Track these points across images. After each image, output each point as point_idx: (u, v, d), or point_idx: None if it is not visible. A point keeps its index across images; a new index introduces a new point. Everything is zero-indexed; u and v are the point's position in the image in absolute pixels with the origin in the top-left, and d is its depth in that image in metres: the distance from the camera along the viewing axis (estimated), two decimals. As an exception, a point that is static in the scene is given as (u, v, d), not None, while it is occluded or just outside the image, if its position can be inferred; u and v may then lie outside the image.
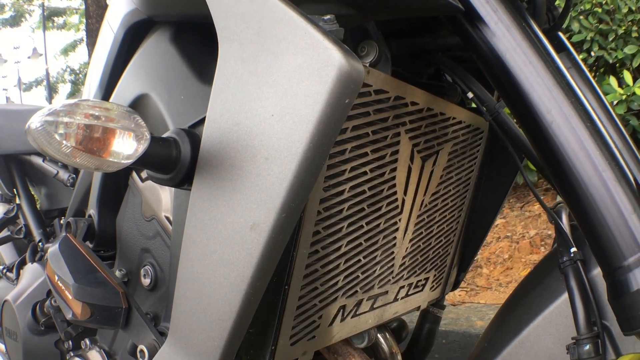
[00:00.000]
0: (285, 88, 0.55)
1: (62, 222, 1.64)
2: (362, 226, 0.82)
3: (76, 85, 16.26)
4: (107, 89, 1.00)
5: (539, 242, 3.20)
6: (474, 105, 0.93)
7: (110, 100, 0.94)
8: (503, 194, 1.22)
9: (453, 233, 1.16)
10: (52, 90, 15.53)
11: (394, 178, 0.85)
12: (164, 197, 0.84)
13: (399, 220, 0.92)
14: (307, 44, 0.54)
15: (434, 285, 1.17)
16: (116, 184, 0.97)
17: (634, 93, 2.98)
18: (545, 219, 3.42)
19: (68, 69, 16.61)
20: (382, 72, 0.75)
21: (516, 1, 0.70)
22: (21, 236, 1.59)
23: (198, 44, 0.84)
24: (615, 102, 3.01)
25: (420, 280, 1.11)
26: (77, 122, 0.51)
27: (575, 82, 0.68)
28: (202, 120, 0.64)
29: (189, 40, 0.84)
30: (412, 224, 0.96)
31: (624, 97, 2.99)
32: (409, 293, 1.08)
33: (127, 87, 0.88)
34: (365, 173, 0.77)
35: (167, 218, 0.83)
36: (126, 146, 0.54)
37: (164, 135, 0.64)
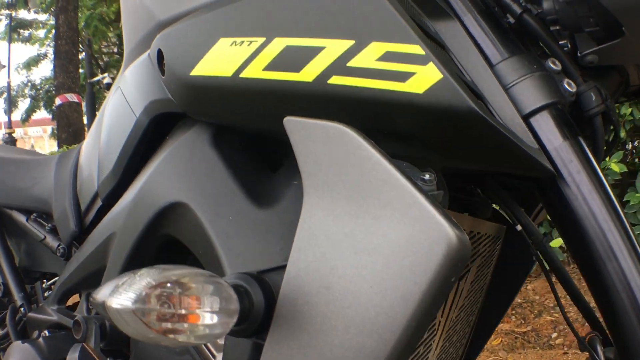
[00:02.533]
0: (387, 259, 0.51)
1: (44, 286, 1.55)
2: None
3: (36, 101, 15.82)
4: (124, 177, 0.94)
5: (509, 311, 3.21)
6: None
7: (134, 196, 0.87)
8: (513, 294, 1.20)
9: (465, 337, 1.14)
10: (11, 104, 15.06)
11: (438, 305, 0.82)
12: None
13: (434, 341, 0.89)
14: (416, 214, 0.50)
15: (442, 391, 1.14)
16: None
17: (608, 167, 3.06)
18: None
19: (29, 84, 16.18)
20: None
21: (589, 156, 0.68)
22: None
23: (247, 154, 0.79)
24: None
25: (434, 390, 1.07)
26: (163, 310, 0.46)
27: None
28: (276, 269, 0.59)
29: (235, 148, 0.79)
30: (441, 340, 0.93)
31: (599, 171, 3.06)
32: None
33: (157, 189, 0.82)
34: None
35: None
36: (215, 325, 0.49)
37: (232, 282, 0.59)
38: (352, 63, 0.58)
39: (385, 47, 0.57)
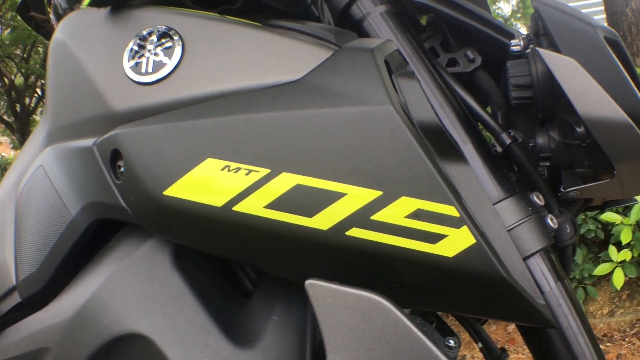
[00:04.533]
0: None
1: None
2: None
3: None
4: (53, 281, 0.80)
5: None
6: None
7: (75, 313, 0.72)
8: None
9: None
10: None
11: None
12: None
13: None
14: None
15: None
16: None
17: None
18: None
19: None
20: None
21: (575, 298, 0.68)
22: None
23: (213, 278, 0.70)
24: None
25: None
26: None
27: None
28: None
29: (201, 270, 0.69)
30: None
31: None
32: None
33: (106, 311, 0.69)
34: None
35: None
36: None
37: None
38: (378, 217, 0.53)
39: (416, 203, 0.52)
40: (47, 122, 0.86)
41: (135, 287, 0.69)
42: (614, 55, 0.62)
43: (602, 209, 0.89)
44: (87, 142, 0.73)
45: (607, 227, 3.12)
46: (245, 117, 0.59)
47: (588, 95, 0.59)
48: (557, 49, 0.63)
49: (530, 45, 0.69)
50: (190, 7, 0.77)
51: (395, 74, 0.63)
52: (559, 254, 0.76)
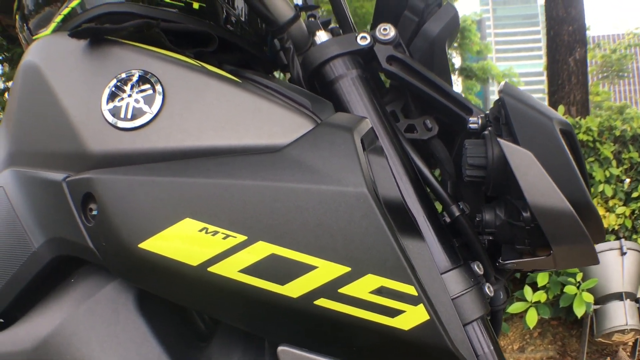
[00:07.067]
0: None
1: None
2: None
3: None
4: (10, 310, 0.79)
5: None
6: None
7: (36, 345, 0.72)
8: None
9: None
10: None
11: None
12: None
13: None
14: None
15: None
16: None
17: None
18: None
19: None
20: None
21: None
22: None
23: (175, 322, 0.72)
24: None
25: None
26: None
27: None
28: None
29: (164, 314, 0.71)
30: None
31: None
32: None
33: (66, 349, 0.69)
34: None
35: None
36: None
37: None
38: (345, 290, 0.58)
39: (380, 281, 0.58)
40: (8, 141, 0.84)
41: (98, 328, 0.70)
42: (566, 146, 0.70)
43: (532, 272, 0.98)
44: (56, 176, 0.73)
45: (524, 266, 3.29)
46: (227, 183, 0.62)
47: (538, 187, 0.66)
48: (515, 139, 0.70)
49: (489, 129, 0.75)
50: (168, 47, 0.78)
51: (366, 150, 0.69)
52: (491, 317, 0.83)
